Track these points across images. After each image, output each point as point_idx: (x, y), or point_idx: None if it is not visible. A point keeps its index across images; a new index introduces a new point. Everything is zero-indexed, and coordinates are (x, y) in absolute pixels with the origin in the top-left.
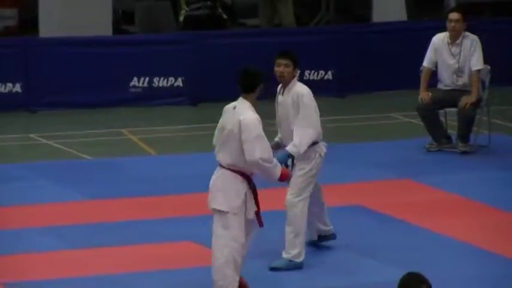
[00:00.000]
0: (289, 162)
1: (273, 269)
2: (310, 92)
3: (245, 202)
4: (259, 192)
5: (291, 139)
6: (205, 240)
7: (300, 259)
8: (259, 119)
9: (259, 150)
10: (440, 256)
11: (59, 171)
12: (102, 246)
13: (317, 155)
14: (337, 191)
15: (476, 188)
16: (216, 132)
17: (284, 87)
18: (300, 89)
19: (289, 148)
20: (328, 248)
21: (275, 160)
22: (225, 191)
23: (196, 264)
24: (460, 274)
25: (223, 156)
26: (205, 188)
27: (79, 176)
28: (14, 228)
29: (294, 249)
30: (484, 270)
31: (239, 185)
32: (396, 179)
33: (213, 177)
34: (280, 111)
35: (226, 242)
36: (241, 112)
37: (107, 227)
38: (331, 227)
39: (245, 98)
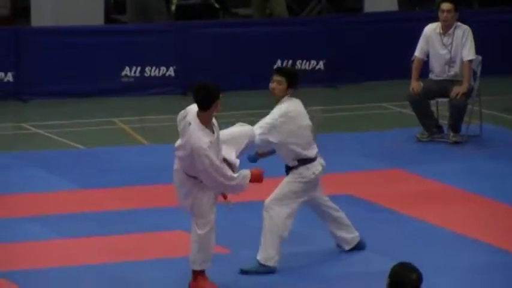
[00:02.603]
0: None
1: (243, 272)
2: (289, 113)
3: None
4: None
5: (283, 155)
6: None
7: (271, 263)
8: (211, 140)
9: (219, 177)
10: (431, 246)
11: (50, 160)
12: (93, 236)
13: (310, 175)
14: (328, 180)
15: (467, 177)
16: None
17: (276, 102)
18: (284, 106)
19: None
20: (318, 238)
21: (238, 173)
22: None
23: (188, 253)
24: (450, 264)
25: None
26: None
27: (70, 165)
28: (4, 217)
29: (265, 253)
30: (475, 260)
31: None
32: (387, 168)
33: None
34: None
35: None
36: (192, 137)
37: (99, 216)
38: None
39: (201, 115)
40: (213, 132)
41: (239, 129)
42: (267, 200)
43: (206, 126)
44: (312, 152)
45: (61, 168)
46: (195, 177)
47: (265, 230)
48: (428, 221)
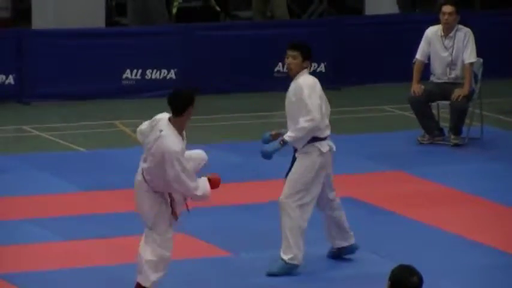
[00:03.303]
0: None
1: (270, 274)
2: (313, 85)
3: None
4: (256, 182)
5: None
6: (199, 232)
7: (295, 262)
8: (183, 147)
9: (190, 184)
10: (431, 248)
11: (51, 162)
12: (95, 238)
13: (316, 153)
14: None
15: (468, 180)
16: (139, 137)
17: (292, 79)
18: (302, 81)
19: (285, 136)
20: (318, 239)
21: (198, 182)
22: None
23: (189, 256)
24: (451, 266)
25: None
26: None
27: (71, 167)
28: (6, 219)
29: (288, 253)
30: (476, 262)
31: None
32: (388, 170)
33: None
34: (286, 103)
35: None
36: (165, 142)
37: (100, 218)
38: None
39: (174, 121)
40: (183, 140)
41: (196, 152)
42: (280, 198)
43: (179, 133)
44: (323, 132)
45: (62, 171)
46: (162, 193)
47: (285, 229)
48: (428, 223)
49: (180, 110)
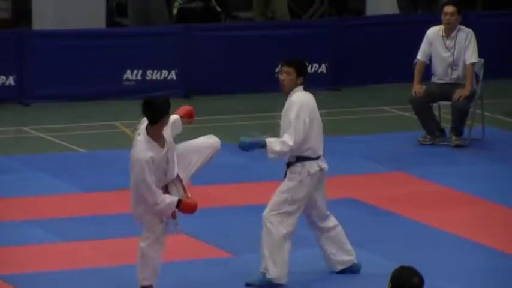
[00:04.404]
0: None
1: (248, 285)
2: (304, 104)
3: None
4: (257, 184)
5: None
6: (200, 233)
7: (277, 280)
8: (154, 155)
9: (147, 196)
10: (432, 249)
11: (51, 163)
12: (95, 239)
13: (304, 173)
14: (329, 183)
15: (470, 181)
16: None
17: (286, 95)
18: (294, 97)
19: (268, 141)
20: (312, 240)
21: (165, 200)
22: None
23: (190, 257)
24: (452, 267)
25: None
26: (198, 181)
27: (72, 168)
28: (5, 220)
29: (270, 269)
30: (476, 263)
31: None
32: (389, 171)
33: None
34: (281, 119)
35: None
36: (136, 147)
37: (100, 220)
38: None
39: (150, 128)
40: (163, 147)
41: (203, 140)
42: (265, 212)
43: (154, 140)
44: (314, 152)
45: (63, 172)
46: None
47: (264, 244)
48: (430, 224)
49: (153, 119)
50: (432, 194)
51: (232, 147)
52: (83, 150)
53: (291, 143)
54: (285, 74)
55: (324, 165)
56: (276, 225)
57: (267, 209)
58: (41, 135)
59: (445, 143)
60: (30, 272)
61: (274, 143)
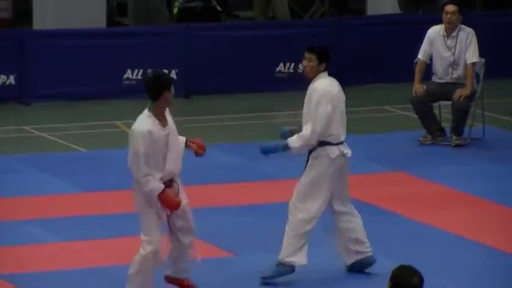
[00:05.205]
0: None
1: (264, 278)
2: (327, 91)
3: None
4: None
5: None
6: (201, 233)
7: (295, 262)
8: (152, 129)
9: (137, 171)
10: (432, 248)
11: (52, 163)
12: (96, 239)
13: (325, 158)
14: None
15: (470, 180)
16: None
17: (309, 82)
18: (317, 84)
19: (290, 140)
20: (319, 238)
21: (149, 182)
22: None
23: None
24: (452, 266)
25: None
26: (199, 180)
27: (73, 168)
28: (6, 220)
29: (290, 253)
30: (476, 263)
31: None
32: (389, 171)
33: None
34: (304, 107)
35: None
36: (137, 120)
37: (101, 219)
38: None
39: (152, 105)
40: (164, 127)
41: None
42: (290, 202)
43: (156, 117)
44: (336, 138)
45: (63, 171)
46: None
47: (288, 231)
48: (430, 224)
49: (154, 94)
50: (432, 194)
51: (232, 147)
52: (83, 150)
53: (308, 132)
54: (306, 60)
55: (346, 151)
56: (298, 213)
57: (293, 198)
58: (42, 135)
59: (446, 143)
60: (30, 271)
61: (294, 141)
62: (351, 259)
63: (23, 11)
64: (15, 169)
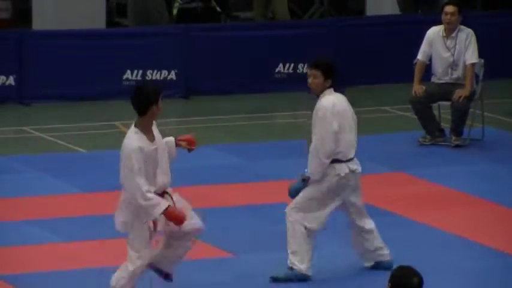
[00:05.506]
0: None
1: (274, 279)
2: (331, 107)
3: None
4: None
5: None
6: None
7: (300, 269)
8: (143, 146)
9: (135, 189)
10: (432, 249)
11: (52, 163)
12: (96, 239)
13: (332, 174)
14: None
15: (469, 181)
16: None
17: (316, 98)
18: (323, 102)
19: (307, 171)
20: (319, 239)
21: (153, 199)
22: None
23: (190, 257)
24: (451, 267)
25: None
26: (199, 181)
27: (72, 168)
28: (6, 220)
29: (294, 260)
30: (476, 263)
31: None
32: (389, 172)
33: None
34: (312, 121)
35: None
36: (125, 138)
37: (101, 220)
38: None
39: (139, 119)
40: (152, 141)
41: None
42: (287, 208)
43: (143, 133)
44: (345, 155)
45: (63, 172)
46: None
47: (288, 238)
48: (429, 224)
49: (141, 109)
50: (432, 194)
51: (231, 147)
52: (83, 150)
53: (319, 154)
54: (312, 77)
55: (355, 167)
56: (297, 221)
57: (290, 205)
58: (41, 135)
59: (445, 143)
60: (30, 272)
61: (311, 168)
62: (369, 262)
63: (23, 12)
64: (14, 169)
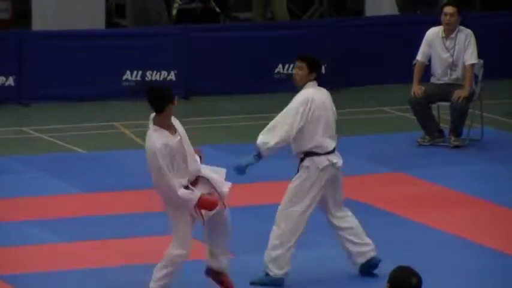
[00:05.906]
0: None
1: (252, 283)
2: (304, 100)
3: None
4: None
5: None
6: (200, 234)
7: (277, 274)
8: (166, 142)
9: (165, 184)
10: (432, 249)
11: (51, 164)
12: (95, 239)
13: (313, 168)
14: None
15: (469, 181)
16: None
17: (298, 90)
18: (303, 91)
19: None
20: (317, 240)
21: (184, 196)
22: None
23: (190, 257)
24: (451, 267)
25: None
26: None
27: (72, 169)
28: (6, 221)
29: (272, 264)
30: (475, 263)
31: None
32: (388, 172)
33: None
34: None
35: None
36: (148, 138)
37: (100, 220)
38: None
39: (157, 117)
40: (174, 134)
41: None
42: (279, 207)
43: (163, 128)
44: (323, 149)
45: (62, 172)
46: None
47: (274, 236)
48: (429, 224)
49: (160, 107)
50: (432, 194)
51: (231, 147)
52: (82, 151)
53: (275, 139)
54: (297, 68)
55: (336, 160)
56: (283, 222)
57: (279, 207)
58: (41, 136)
59: (444, 144)
60: (30, 272)
61: (261, 142)
62: (358, 262)
63: (23, 12)
64: (14, 170)
